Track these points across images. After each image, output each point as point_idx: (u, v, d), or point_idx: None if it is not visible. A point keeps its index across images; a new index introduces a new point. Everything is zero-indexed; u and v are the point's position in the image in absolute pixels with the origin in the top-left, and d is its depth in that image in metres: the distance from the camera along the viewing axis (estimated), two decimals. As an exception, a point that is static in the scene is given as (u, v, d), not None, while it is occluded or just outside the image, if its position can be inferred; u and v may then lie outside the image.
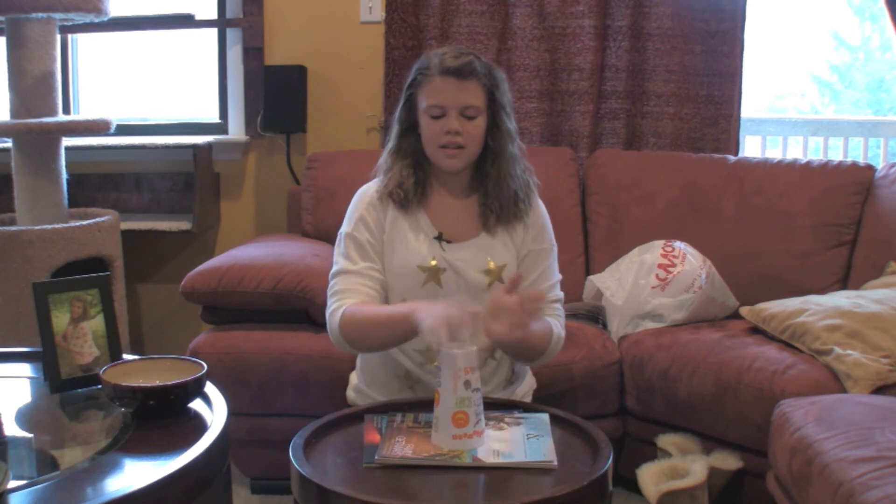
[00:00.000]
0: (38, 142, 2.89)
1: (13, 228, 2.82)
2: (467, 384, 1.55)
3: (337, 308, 1.86)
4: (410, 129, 1.94)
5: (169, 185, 3.54)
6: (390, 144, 1.97)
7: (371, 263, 1.91)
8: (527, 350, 1.89)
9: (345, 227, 1.96)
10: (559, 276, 2.00)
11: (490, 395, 1.93)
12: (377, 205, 1.94)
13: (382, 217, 1.93)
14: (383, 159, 1.98)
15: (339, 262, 1.93)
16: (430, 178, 1.96)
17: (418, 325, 1.66)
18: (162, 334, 3.60)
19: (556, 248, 2.01)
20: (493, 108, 1.91)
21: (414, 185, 1.92)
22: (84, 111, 3.71)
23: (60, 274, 2.70)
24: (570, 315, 2.67)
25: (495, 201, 1.92)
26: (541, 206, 2.01)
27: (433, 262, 1.90)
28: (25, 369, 1.93)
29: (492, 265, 1.91)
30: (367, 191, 1.98)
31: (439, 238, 1.92)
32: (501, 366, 1.98)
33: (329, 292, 1.91)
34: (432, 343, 1.75)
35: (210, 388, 1.70)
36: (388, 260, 1.93)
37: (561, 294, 2.00)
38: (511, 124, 1.95)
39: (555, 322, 1.93)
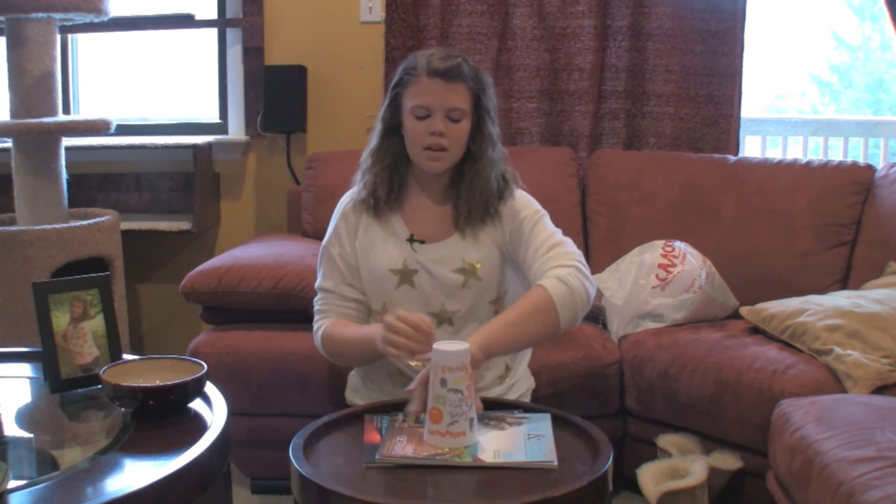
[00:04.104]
0: (38, 142, 2.89)
1: (13, 228, 2.82)
2: (443, 382, 1.54)
3: (318, 328, 1.95)
4: (394, 129, 1.93)
5: (169, 185, 3.54)
6: (372, 143, 1.97)
7: (344, 281, 1.95)
8: (521, 342, 1.82)
9: (325, 239, 2.00)
10: (555, 229, 1.90)
11: (485, 390, 1.94)
12: (351, 214, 1.97)
13: (357, 224, 1.96)
14: (363, 157, 1.99)
15: (319, 277, 2.00)
16: (409, 180, 1.97)
17: (376, 346, 1.73)
18: (162, 334, 3.60)
19: (543, 213, 1.92)
20: (478, 111, 1.90)
21: (387, 192, 1.93)
22: (84, 111, 3.71)
23: (60, 274, 2.70)
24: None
25: (465, 204, 1.91)
26: (515, 193, 1.94)
27: (404, 264, 1.91)
28: (25, 369, 1.93)
29: (466, 263, 1.91)
30: (345, 199, 2.01)
31: (411, 239, 1.93)
32: (495, 362, 1.97)
33: (314, 308, 1.99)
34: (391, 360, 1.83)
35: (210, 388, 1.70)
36: (363, 265, 1.95)
37: (564, 238, 1.87)
38: (494, 129, 1.93)
39: (551, 280, 1.76)
